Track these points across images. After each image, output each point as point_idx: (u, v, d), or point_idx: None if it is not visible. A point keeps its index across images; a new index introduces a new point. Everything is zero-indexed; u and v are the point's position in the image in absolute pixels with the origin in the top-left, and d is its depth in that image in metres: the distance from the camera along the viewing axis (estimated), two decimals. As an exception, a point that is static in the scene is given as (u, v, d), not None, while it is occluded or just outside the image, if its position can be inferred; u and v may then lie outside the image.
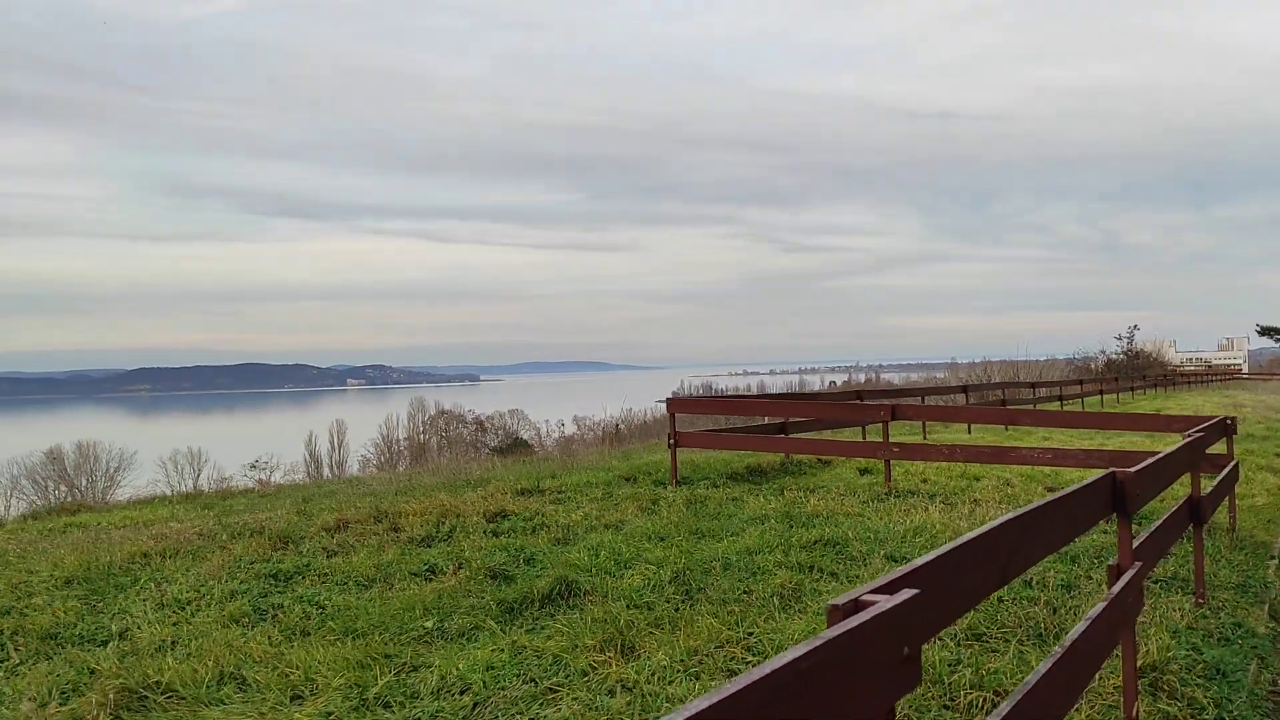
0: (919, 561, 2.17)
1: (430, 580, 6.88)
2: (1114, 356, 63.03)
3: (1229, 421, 9.10)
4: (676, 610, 5.98)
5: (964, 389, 21.34)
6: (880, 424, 10.82)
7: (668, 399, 11.77)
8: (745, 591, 6.40)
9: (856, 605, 1.94)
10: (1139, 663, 5.02)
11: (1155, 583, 6.97)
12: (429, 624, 5.71)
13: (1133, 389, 38.08)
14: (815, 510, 9.31)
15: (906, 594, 1.98)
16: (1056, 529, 3.54)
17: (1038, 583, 6.52)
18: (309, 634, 5.66)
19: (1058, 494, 3.70)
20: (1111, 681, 4.80)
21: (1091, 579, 6.84)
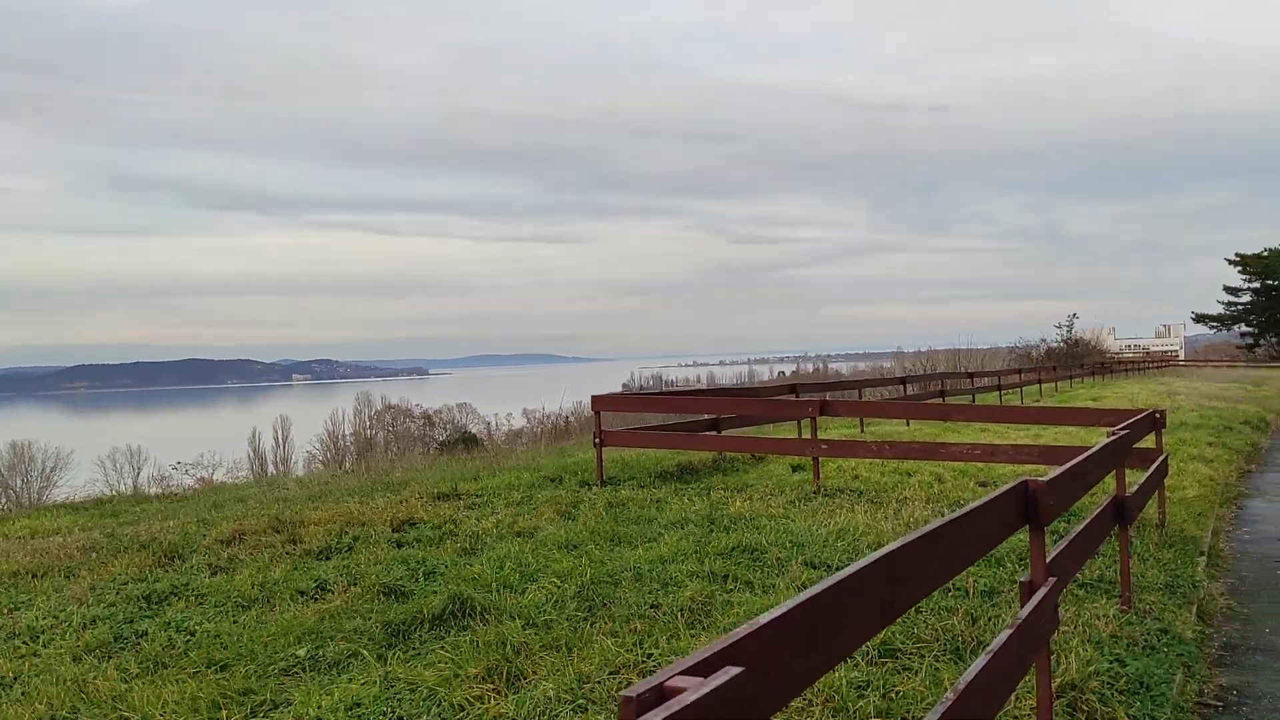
0: (748, 627, 1.76)
1: (316, 600, 6.40)
2: (1054, 345, 63.80)
3: (1158, 415, 8.90)
4: (575, 629, 5.57)
5: (903, 380, 21.19)
6: (810, 419, 10.51)
7: (594, 397, 11.36)
8: (653, 606, 6.01)
9: (660, 694, 1.54)
10: (1057, 682, 4.71)
11: (1081, 586, 6.71)
12: (301, 652, 5.24)
13: (1071, 377, 38.41)
14: (739, 512, 8.96)
15: (727, 675, 1.58)
16: (955, 553, 3.19)
17: (958, 590, 6.21)
18: (167, 666, 5.16)
19: (959, 511, 3.35)
20: (1028, 702, 4.49)
21: (1016, 583, 6.55)
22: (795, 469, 12.23)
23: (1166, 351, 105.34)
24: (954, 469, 12.11)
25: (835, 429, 18.98)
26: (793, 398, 12.86)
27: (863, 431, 17.51)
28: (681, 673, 1.58)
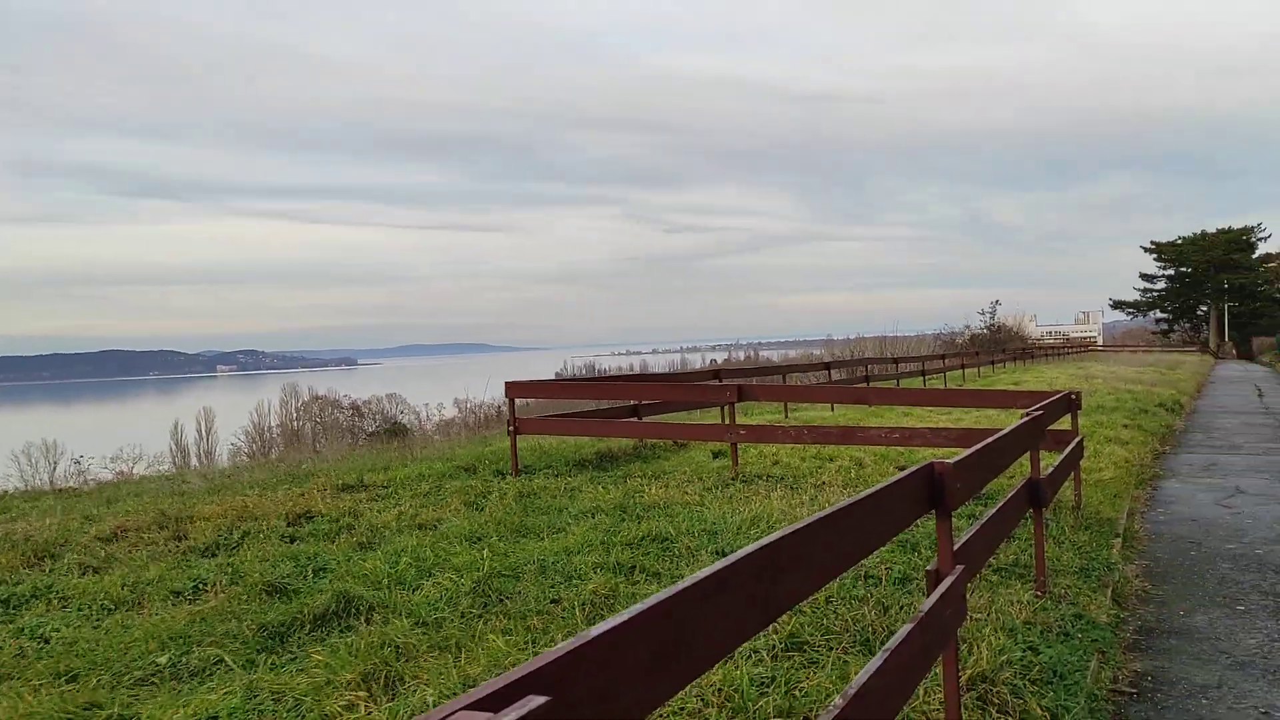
0: (571, 644, 1.44)
1: (191, 601, 5.95)
2: (978, 331, 64.86)
3: (1073, 397, 8.83)
4: (468, 628, 5.22)
5: (828, 365, 21.15)
6: (728, 405, 10.25)
7: (507, 383, 10.97)
8: (553, 601, 5.69)
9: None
10: (968, 674, 4.50)
11: (995, 572, 6.55)
12: (163, 659, 4.81)
13: (993, 362, 38.95)
14: (653, 500, 8.67)
15: (524, 709, 1.26)
16: (851, 541, 2.91)
17: (870, 578, 5.99)
18: (12, 679, 4.69)
19: (859, 496, 3.08)
20: (938, 696, 4.26)
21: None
22: (716, 455, 12.00)
23: (1086, 337, 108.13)
24: (875, 453, 11.98)
25: (761, 414, 18.83)
26: (714, 383, 12.60)
27: (786, 417, 17.38)
28: (468, 706, 1.25)
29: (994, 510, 5.34)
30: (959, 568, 3.84)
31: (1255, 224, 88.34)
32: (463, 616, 5.45)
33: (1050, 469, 6.68)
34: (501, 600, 5.70)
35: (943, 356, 31.79)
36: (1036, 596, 6.09)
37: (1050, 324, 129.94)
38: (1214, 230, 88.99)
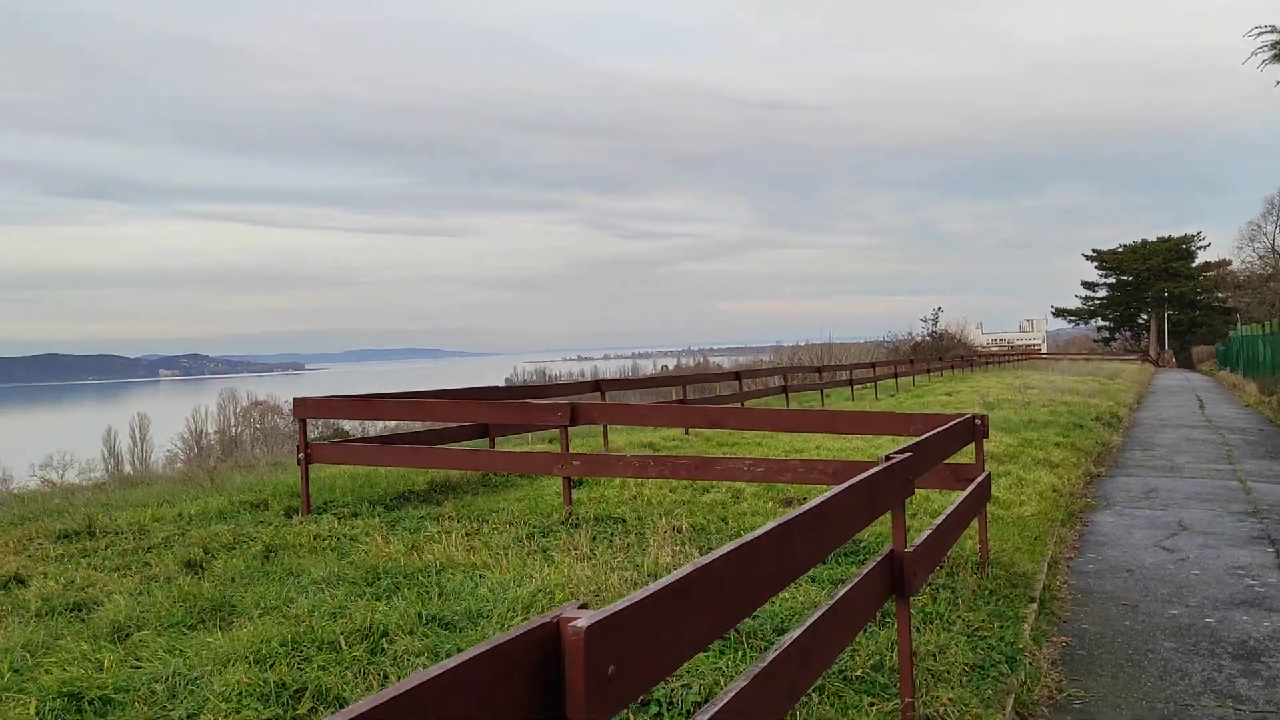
0: None
1: None
2: (920, 339, 63.69)
3: (978, 421, 6.91)
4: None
5: (737, 375, 19.19)
6: (560, 428, 8.18)
7: (296, 400, 8.84)
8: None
9: None
10: None
11: (845, 680, 4.57)
12: None
13: (929, 370, 37.43)
14: (432, 560, 6.58)
15: None
16: None
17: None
18: None
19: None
20: None
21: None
22: (579, 483, 9.97)
23: (1031, 345, 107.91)
24: (759, 487, 10.02)
25: (643, 436, 16.86)
26: (559, 400, 10.58)
27: (688, 437, 15.39)
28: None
29: (824, 609, 3.37)
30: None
31: (1195, 233, 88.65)
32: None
33: (926, 534, 4.71)
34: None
35: (873, 365, 30.08)
36: (897, 730, 4.12)
37: (995, 332, 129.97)
38: (1154, 239, 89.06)
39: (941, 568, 6.68)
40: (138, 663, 4.57)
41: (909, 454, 4.43)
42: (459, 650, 4.51)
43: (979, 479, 6.81)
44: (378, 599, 5.56)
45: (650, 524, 7.90)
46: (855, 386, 27.60)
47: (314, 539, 7.39)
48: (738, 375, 19.32)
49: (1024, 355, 73.52)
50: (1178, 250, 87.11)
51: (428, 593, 5.66)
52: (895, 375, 31.04)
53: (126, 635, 5.06)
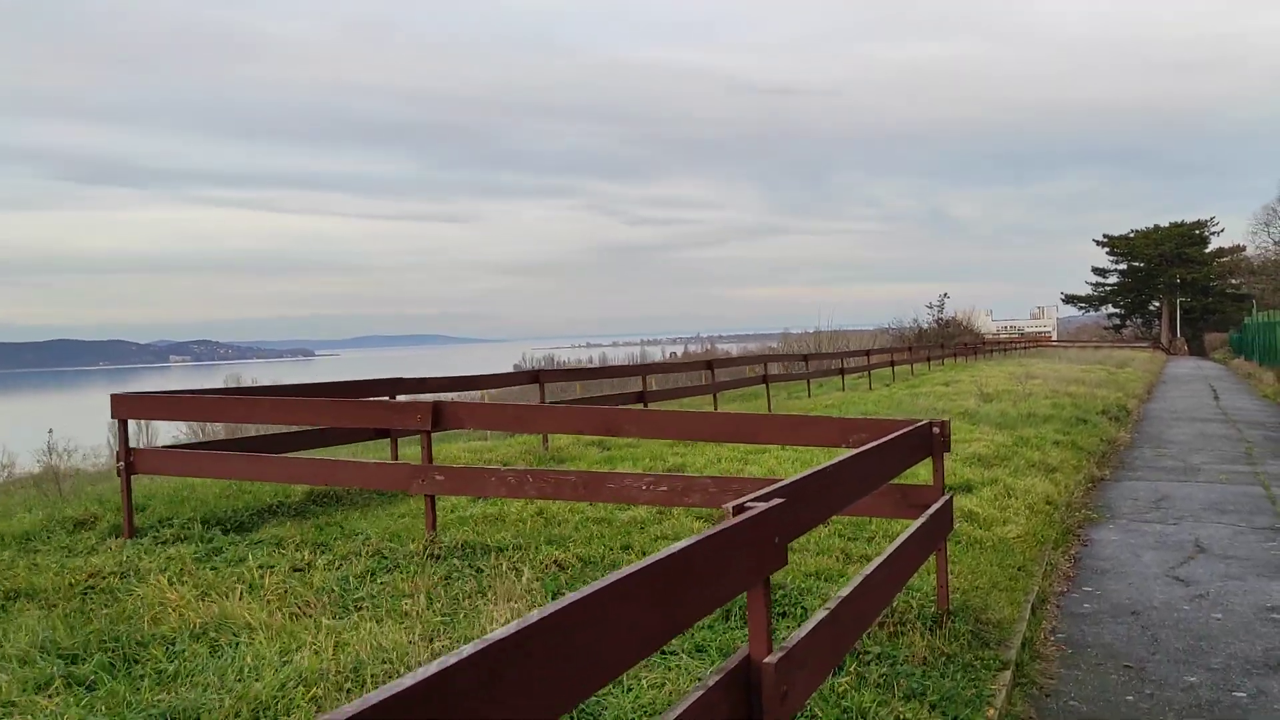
0: None
1: None
2: (925, 326, 61.86)
3: (936, 430, 5.26)
4: None
5: (709, 365, 17.51)
6: (423, 434, 6.49)
7: (114, 397, 7.23)
8: None
9: None
10: None
11: None
12: None
13: (929, 359, 35.72)
14: (207, 617, 4.97)
15: None
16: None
17: None
18: None
19: None
20: None
21: None
22: (475, 500, 8.36)
23: (1041, 332, 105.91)
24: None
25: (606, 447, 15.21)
26: (423, 397, 8.97)
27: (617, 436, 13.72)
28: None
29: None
30: None
31: (1208, 218, 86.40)
32: None
33: (818, 619, 3.09)
34: None
35: (868, 352, 28.36)
36: None
37: (1006, 319, 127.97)
38: (1166, 224, 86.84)
39: (883, 626, 5.05)
40: None
41: (779, 501, 2.79)
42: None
43: (936, 505, 5.17)
44: (71, 686, 3.96)
45: (530, 555, 6.28)
46: (848, 376, 25.91)
47: (89, 577, 5.79)
48: (709, 364, 17.62)
49: (1033, 343, 71.68)
50: (1190, 235, 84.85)
51: (163, 666, 4.05)
52: (892, 364, 29.30)
53: None
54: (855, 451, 3.95)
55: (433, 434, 6.52)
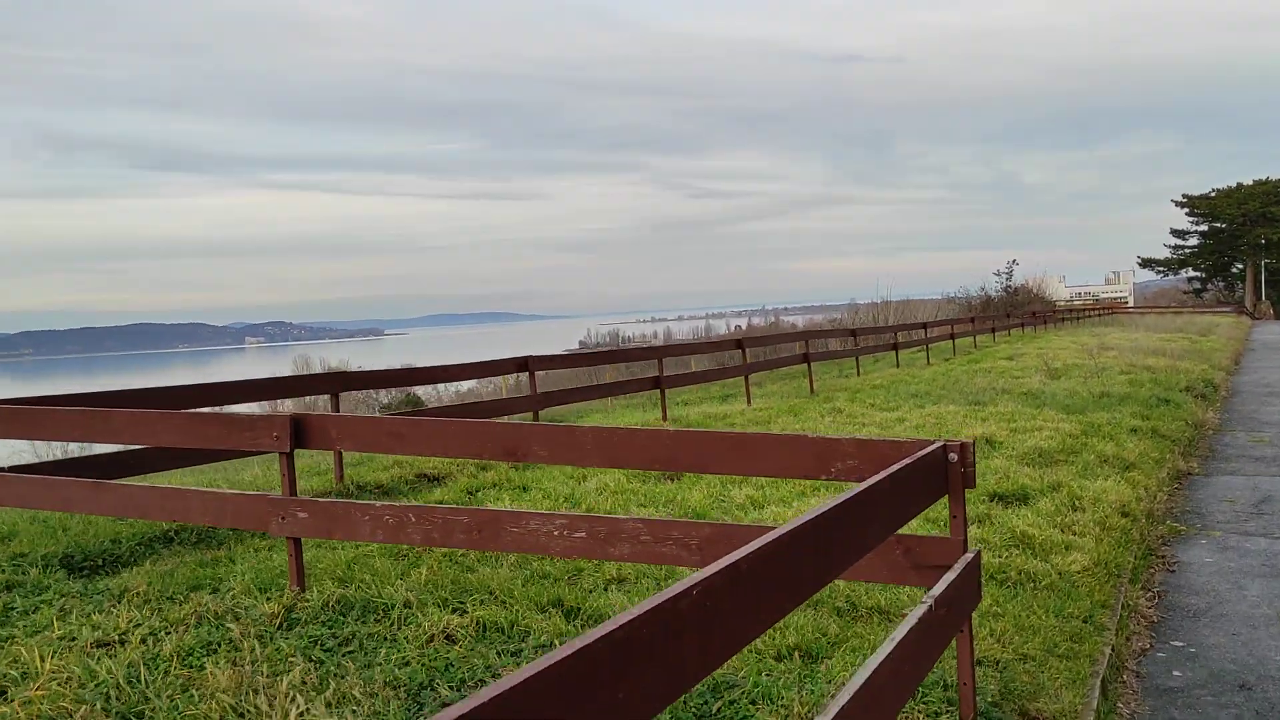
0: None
1: None
2: (993, 294, 59.04)
3: (953, 456, 3.58)
4: None
5: (739, 344, 15.76)
6: (282, 455, 4.93)
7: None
8: None
9: None
10: None
11: None
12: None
13: (994, 330, 33.39)
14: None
15: None
16: None
17: None
18: None
19: None
20: None
21: None
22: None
23: (1116, 298, 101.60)
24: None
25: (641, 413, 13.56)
26: (282, 410, 7.41)
27: (667, 419, 12.09)
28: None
29: None
30: None
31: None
32: None
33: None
34: None
35: (925, 325, 26.28)
36: None
37: (1080, 285, 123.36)
38: (1250, 182, 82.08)
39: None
40: None
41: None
42: None
43: (955, 572, 3.50)
44: None
45: (417, 618, 4.72)
46: (901, 351, 23.94)
47: None
48: (739, 343, 15.89)
49: (1108, 310, 68.19)
50: (1276, 193, 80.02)
51: None
52: (953, 336, 27.13)
53: None
54: (828, 506, 2.33)
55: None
